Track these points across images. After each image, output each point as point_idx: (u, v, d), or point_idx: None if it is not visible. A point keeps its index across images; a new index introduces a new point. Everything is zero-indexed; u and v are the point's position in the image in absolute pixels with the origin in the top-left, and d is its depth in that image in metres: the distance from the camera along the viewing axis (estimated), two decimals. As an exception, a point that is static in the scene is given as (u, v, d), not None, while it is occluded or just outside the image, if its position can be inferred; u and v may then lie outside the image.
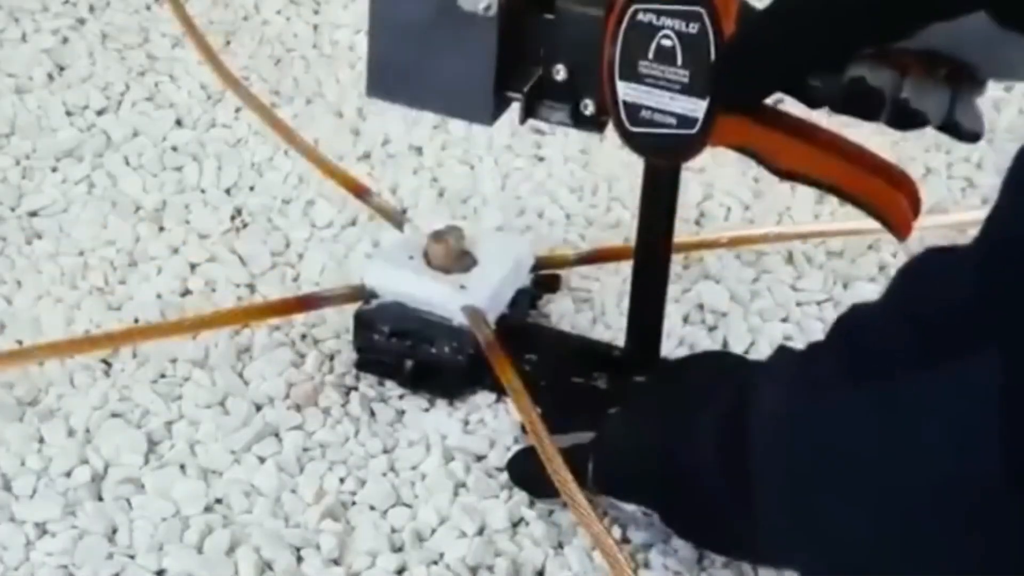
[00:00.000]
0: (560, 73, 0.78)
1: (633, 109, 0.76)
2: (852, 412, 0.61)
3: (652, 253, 0.85)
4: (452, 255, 0.89)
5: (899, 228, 0.76)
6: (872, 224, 0.96)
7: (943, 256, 0.62)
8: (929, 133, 0.73)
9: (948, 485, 0.57)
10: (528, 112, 0.79)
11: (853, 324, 0.65)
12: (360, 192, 1.00)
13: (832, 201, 1.04)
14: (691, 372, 0.81)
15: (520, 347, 0.88)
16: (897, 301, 0.63)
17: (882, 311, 0.64)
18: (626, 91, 0.75)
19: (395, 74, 0.80)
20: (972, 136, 0.73)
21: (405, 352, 0.88)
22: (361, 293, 0.90)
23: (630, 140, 0.77)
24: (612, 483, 0.79)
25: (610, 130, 0.79)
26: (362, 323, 0.89)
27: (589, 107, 0.78)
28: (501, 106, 0.79)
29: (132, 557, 0.79)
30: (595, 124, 0.79)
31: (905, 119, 0.72)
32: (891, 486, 0.59)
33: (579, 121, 0.79)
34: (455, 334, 0.87)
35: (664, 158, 0.80)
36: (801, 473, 0.64)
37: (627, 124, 0.76)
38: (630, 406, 0.81)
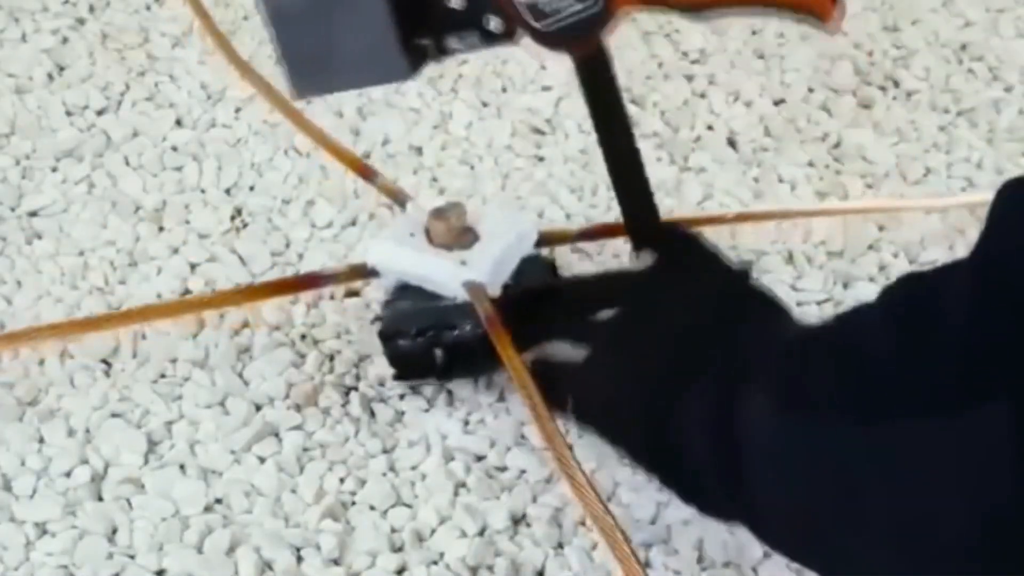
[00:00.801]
0: (455, 0, 0.78)
1: (535, 7, 0.76)
2: (856, 449, 0.61)
3: (618, 149, 0.84)
4: (453, 232, 0.88)
5: (822, 13, 0.74)
6: (874, 204, 0.94)
7: (932, 283, 0.62)
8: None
9: (959, 524, 0.57)
10: (441, 50, 0.79)
11: (848, 344, 0.64)
12: (367, 175, 1.01)
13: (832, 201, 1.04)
14: (671, 312, 0.79)
15: (537, 310, 0.87)
16: (892, 326, 0.62)
17: (878, 332, 0.63)
18: None
19: (310, 66, 0.80)
20: None
21: (432, 344, 0.87)
22: (362, 271, 0.90)
23: (546, 39, 0.77)
24: (592, 423, 0.79)
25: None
26: (387, 336, 0.87)
27: (493, 22, 0.78)
28: (415, 57, 0.80)
29: (132, 557, 0.79)
30: (507, 37, 0.79)
31: None
32: (900, 526, 0.59)
33: (490, 39, 0.79)
34: (469, 310, 0.86)
35: (584, 44, 0.79)
36: (803, 502, 0.64)
37: (536, 24, 0.77)
38: (610, 351, 0.79)
